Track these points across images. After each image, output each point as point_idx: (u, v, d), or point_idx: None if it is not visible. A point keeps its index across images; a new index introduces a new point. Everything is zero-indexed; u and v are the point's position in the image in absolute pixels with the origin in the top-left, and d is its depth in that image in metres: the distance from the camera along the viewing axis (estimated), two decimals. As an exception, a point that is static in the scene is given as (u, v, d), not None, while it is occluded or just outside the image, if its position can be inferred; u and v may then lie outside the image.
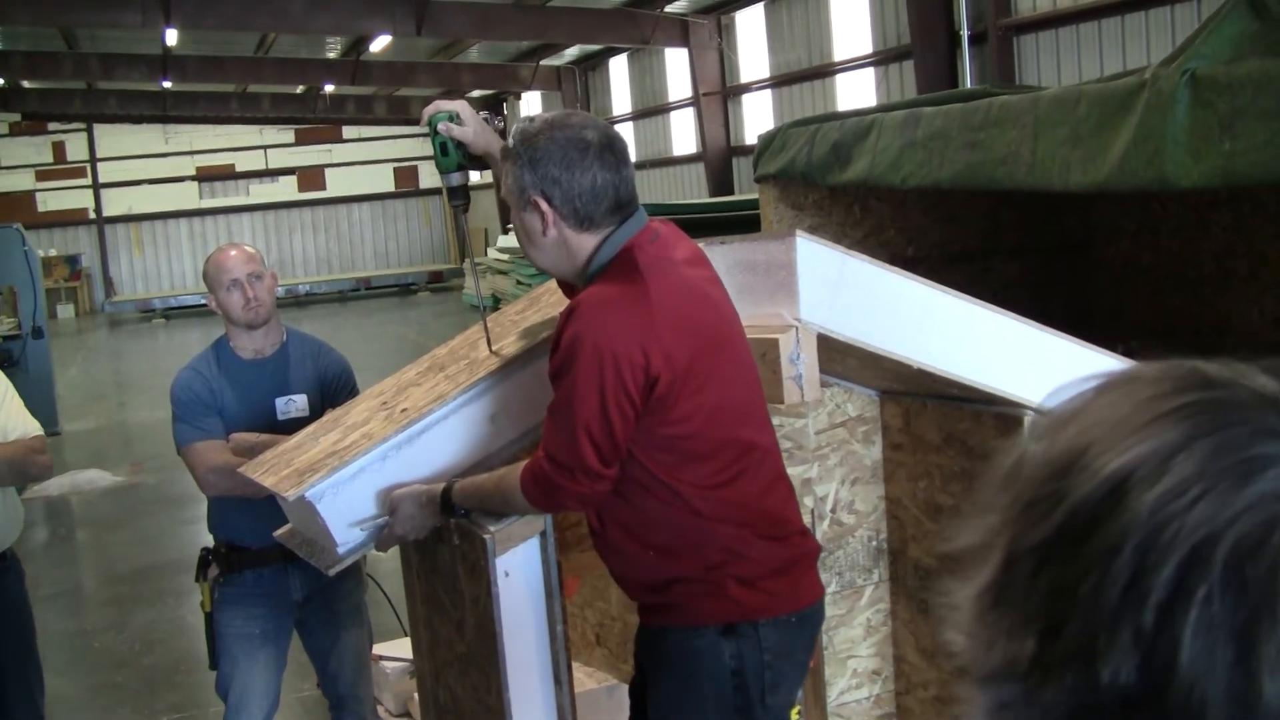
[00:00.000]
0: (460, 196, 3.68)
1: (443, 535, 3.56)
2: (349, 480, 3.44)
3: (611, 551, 3.35)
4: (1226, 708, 0.71)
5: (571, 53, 26.28)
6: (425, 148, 31.22)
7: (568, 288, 3.51)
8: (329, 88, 30.00)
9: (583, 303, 3.10)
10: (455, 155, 3.59)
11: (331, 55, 26.46)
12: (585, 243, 3.21)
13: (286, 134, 37.01)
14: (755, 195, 10.59)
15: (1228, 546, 0.72)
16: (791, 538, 3.35)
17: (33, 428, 5.01)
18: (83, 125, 35.01)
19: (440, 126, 3.55)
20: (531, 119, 3.25)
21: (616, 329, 3.05)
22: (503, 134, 3.59)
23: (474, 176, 3.72)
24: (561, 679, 3.36)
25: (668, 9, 20.47)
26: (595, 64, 26.97)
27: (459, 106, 3.58)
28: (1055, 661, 0.76)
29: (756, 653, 3.24)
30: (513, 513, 3.35)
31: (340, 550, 3.48)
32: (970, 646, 0.83)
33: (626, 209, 3.23)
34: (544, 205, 3.17)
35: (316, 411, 4.60)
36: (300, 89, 30.63)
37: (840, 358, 4.14)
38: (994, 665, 0.80)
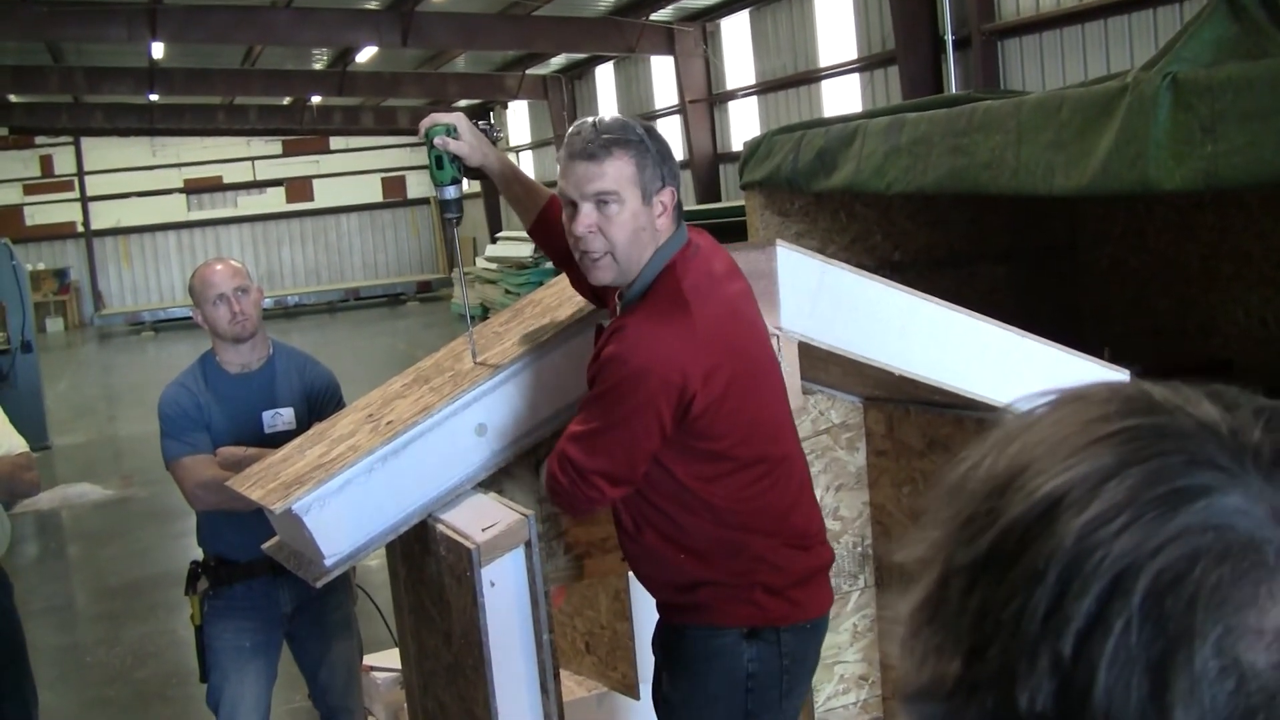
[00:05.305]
0: (454, 209, 3.70)
1: (430, 546, 3.58)
2: (335, 493, 3.45)
3: (643, 553, 3.40)
4: None
5: (558, 61, 26.27)
6: (413, 157, 30.90)
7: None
8: (315, 99, 29.96)
9: (627, 325, 3.14)
10: (450, 169, 3.60)
11: (318, 66, 26.44)
12: (662, 239, 3.27)
13: (274, 145, 36.89)
14: (742, 202, 10.60)
15: (1149, 578, 0.71)
16: (814, 546, 3.40)
17: (19, 445, 5.02)
18: (70, 139, 34.89)
19: (436, 140, 3.56)
20: (608, 118, 3.29)
21: (657, 353, 3.10)
22: (495, 141, 3.62)
23: (464, 186, 3.75)
24: (548, 688, 3.37)
25: (653, 17, 20.46)
26: (581, 73, 26.97)
27: (456, 119, 3.58)
28: (978, 684, 0.75)
29: (776, 658, 3.30)
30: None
31: (327, 562, 3.49)
32: (903, 662, 0.82)
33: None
34: (671, 197, 3.25)
35: (303, 425, 4.61)
36: (287, 100, 30.61)
37: (823, 365, 4.16)
38: (922, 683, 0.79)
